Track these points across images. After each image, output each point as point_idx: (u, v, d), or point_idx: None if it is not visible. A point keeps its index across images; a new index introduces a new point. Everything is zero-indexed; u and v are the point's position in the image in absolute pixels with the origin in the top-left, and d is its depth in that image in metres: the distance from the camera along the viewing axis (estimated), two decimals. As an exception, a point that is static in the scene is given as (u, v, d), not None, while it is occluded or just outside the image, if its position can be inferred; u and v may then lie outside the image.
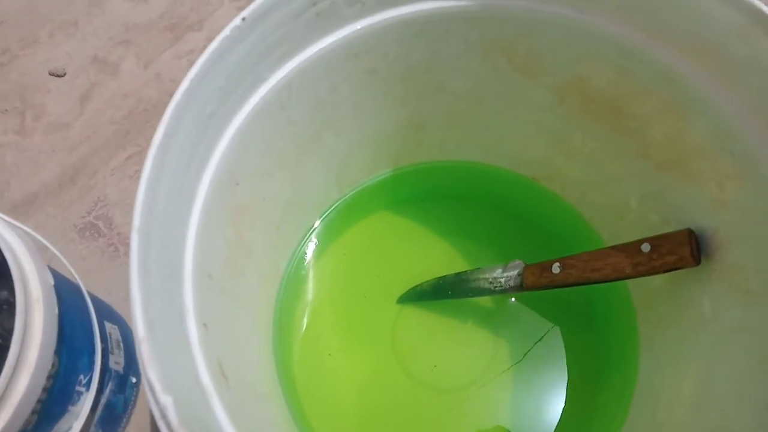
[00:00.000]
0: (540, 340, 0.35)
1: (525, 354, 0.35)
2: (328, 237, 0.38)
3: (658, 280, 0.32)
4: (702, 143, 0.27)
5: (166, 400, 0.16)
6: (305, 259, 0.37)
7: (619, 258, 0.29)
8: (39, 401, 0.26)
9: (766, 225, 0.25)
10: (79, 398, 0.30)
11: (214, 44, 0.22)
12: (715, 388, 0.27)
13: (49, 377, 0.27)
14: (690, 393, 0.28)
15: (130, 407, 0.38)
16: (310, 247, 0.38)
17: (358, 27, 0.27)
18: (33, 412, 0.26)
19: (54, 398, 0.27)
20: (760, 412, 0.23)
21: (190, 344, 0.20)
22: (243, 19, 0.23)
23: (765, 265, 0.25)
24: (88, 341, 0.31)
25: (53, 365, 0.27)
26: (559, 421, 0.33)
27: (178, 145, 0.22)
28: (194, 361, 0.20)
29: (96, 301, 0.35)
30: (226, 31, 0.23)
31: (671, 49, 0.25)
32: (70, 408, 0.29)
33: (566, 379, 0.34)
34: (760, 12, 0.22)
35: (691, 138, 0.27)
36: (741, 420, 0.24)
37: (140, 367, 0.17)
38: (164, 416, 0.16)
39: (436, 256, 0.38)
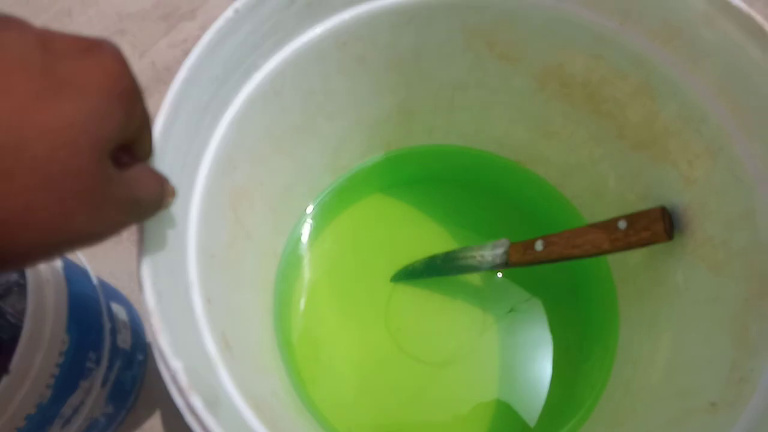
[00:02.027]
0: (522, 305, 0.37)
1: (506, 313, 0.37)
2: (323, 219, 0.40)
3: (635, 256, 0.34)
4: (673, 124, 0.28)
5: (176, 364, 0.17)
6: (302, 241, 0.39)
7: (597, 235, 0.31)
8: (53, 376, 0.28)
9: (732, 200, 0.26)
10: (90, 374, 0.32)
11: (208, 35, 0.24)
12: (686, 354, 0.29)
13: (61, 354, 0.29)
14: (664, 359, 0.30)
15: (138, 384, 0.39)
16: (306, 230, 0.39)
17: (347, 17, 0.28)
18: (47, 387, 0.28)
19: (66, 373, 0.29)
20: (725, 373, 0.25)
21: (195, 317, 0.22)
22: (236, 10, 0.24)
23: (731, 238, 0.27)
24: (97, 320, 0.33)
25: (64, 342, 0.29)
26: (547, 388, 0.35)
27: (179, 132, 0.23)
28: (200, 333, 0.22)
29: (102, 283, 0.37)
30: (219, 22, 0.24)
31: (642, 35, 0.27)
32: (82, 383, 0.31)
33: (552, 350, 0.36)
34: (724, 0, 0.24)
35: (663, 119, 0.28)
36: (708, 382, 0.25)
37: (150, 336, 0.18)
38: (175, 380, 0.18)
39: (427, 237, 0.39)
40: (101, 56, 0.15)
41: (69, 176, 0.14)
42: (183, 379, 0.17)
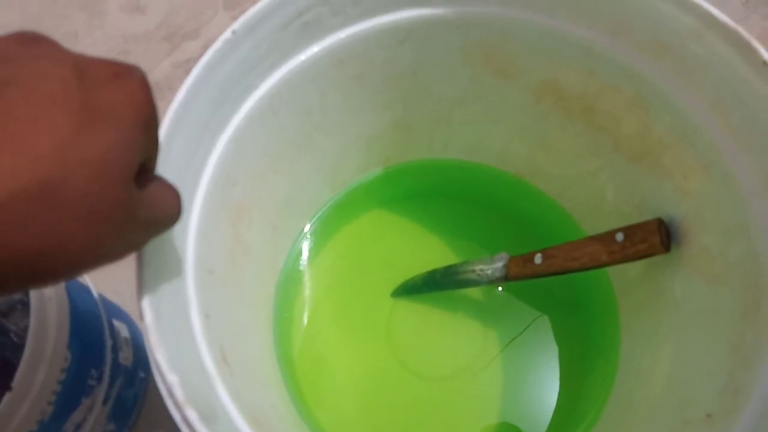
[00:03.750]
0: (527, 327, 0.37)
1: (512, 340, 0.37)
2: (323, 235, 0.40)
3: (635, 268, 0.34)
4: (667, 137, 0.28)
5: (173, 378, 0.18)
6: (302, 257, 0.39)
7: (595, 247, 0.31)
8: (54, 393, 0.28)
9: (727, 214, 0.26)
10: (91, 391, 0.32)
11: (206, 57, 0.24)
12: (686, 366, 0.28)
13: (62, 370, 0.29)
14: (664, 371, 0.30)
15: (139, 402, 0.40)
16: (306, 245, 0.40)
17: (343, 36, 0.29)
18: (49, 403, 0.28)
19: (68, 390, 0.29)
20: (722, 384, 0.25)
21: (193, 332, 0.22)
22: (233, 32, 0.25)
23: (727, 250, 0.27)
24: (99, 338, 0.33)
25: (66, 359, 0.29)
26: (551, 403, 0.35)
27: (178, 150, 0.23)
28: (198, 348, 0.22)
29: (104, 301, 0.37)
30: (217, 44, 0.25)
31: (633, 50, 0.27)
32: (84, 400, 0.31)
33: (554, 364, 0.36)
34: (712, 16, 0.24)
35: (657, 132, 0.29)
36: (706, 393, 0.25)
37: (148, 351, 0.19)
38: (171, 394, 0.18)
39: (427, 251, 0.40)
40: (130, 83, 0.16)
41: (102, 206, 0.15)
42: (179, 393, 0.18)
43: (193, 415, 0.17)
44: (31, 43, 0.15)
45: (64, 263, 0.15)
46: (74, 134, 0.14)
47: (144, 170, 0.18)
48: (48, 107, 0.14)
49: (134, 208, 0.16)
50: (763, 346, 0.23)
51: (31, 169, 0.13)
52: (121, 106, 0.15)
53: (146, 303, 0.19)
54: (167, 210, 0.18)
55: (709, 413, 0.24)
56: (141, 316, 0.19)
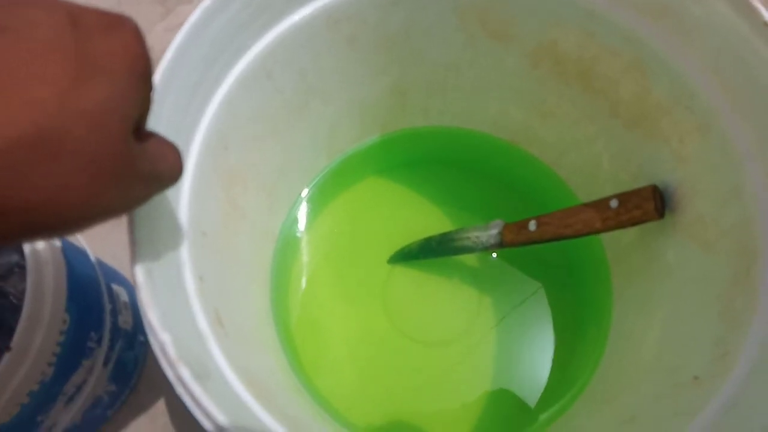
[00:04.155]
0: (525, 300, 0.37)
1: (506, 315, 0.37)
2: (320, 202, 0.40)
3: (628, 235, 0.34)
4: (664, 101, 0.28)
5: (165, 337, 0.18)
6: (298, 223, 0.39)
7: (589, 214, 0.31)
8: (54, 354, 0.29)
9: (722, 179, 0.26)
10: (91, 353, 0.32)
11: (196, 14, 0.24)
12: (677, 331, 0.29)
13: (61, 333, 0.29)
14: (655, 337, 0.30)
15: (140, 364, 0.40)
16: (303, 212, 0.40)
17: (336, -5, 0.28)
18: (49, 365, 0.29)
19: (68, 352, 0.30)
20: (710, 348, 0.25)
21: (187, 294, 0.22)
22: (225, -11, 0.25)
23: (721, 217, 0.27)
24: (97, 301, 0.33)
25: (65, 322, 0.30)
26: (544, 369, 0.36)
27: (168, 111, 0.23)
28: (191, 309, 0.22)
29: (102, 264, 0.37)
30: (207, 1, 0.24)
31: (632, 11, 0.27)
32: (84, 362, 0.32)
33: (548, 329, 0.37)
34: (712, -26, 0.24)
35: (655, 96, 0.28)
36: (694, 357, 0.26)
37: (140, 310, 0.19)
38: (164, 351, 0.18)
39: (424, 218, 0.40)
40: (124, 34, 0.16)
41: (103, 157, 0.15)
42: (171, 350, 0.18)
43: (185, 373, 0.18)
44: None
45: (66, 215, 0.15)
46: (70, 83, 0.14)
47: (137, 127, 0.18)
48: (42, 55, 0.14)
49: (134, 162, 0.16)
50: (752, 310, 0.23)
51: (29, 116, 0.13)
52: (117, 57, 0.15)
53: (138, 262, 0.19)
54: (168, 166, 0.18)
55: (696, 376, 0.24)
56: (132, 275, 0.19)
